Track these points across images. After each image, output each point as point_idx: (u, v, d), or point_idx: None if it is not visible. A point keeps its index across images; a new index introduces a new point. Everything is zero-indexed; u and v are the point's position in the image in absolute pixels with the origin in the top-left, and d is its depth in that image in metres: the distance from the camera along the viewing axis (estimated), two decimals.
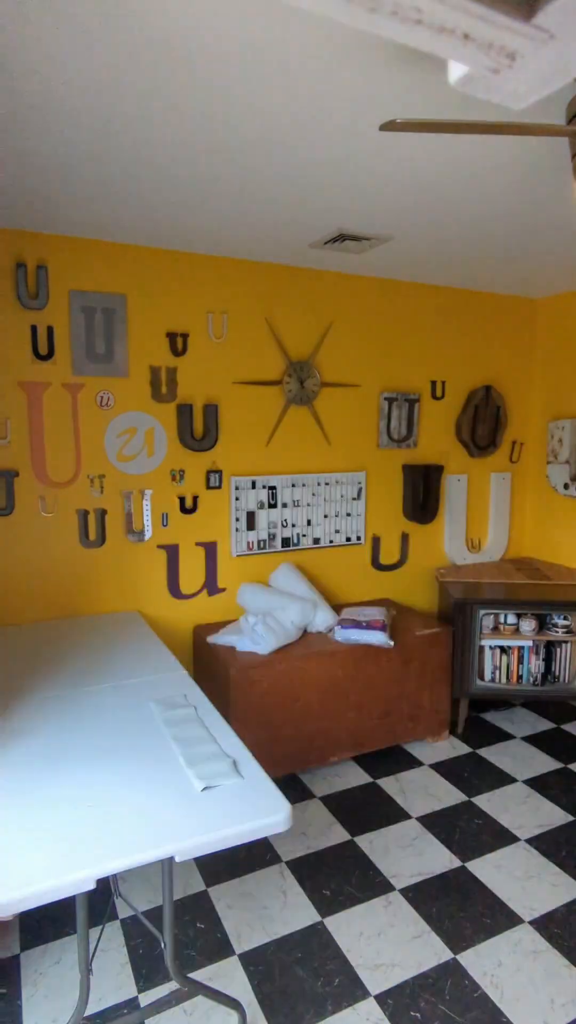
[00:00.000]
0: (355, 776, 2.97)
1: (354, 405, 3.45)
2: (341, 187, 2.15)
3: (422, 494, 3.61)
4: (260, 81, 1.49)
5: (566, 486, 3.73)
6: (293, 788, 2.87)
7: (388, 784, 2.91)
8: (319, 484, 3.37)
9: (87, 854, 1.27)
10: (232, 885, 2.29)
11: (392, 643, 2.94)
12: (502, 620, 3.30)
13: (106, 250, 2.75)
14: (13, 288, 2.60)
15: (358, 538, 3.53)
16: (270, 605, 3.06)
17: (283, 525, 3.29)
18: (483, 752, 3.18)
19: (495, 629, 3.31)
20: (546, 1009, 1.80)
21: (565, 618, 3.26)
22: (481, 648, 3.30)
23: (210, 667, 2.88)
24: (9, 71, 1.44)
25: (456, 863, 2.39)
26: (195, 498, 3.08)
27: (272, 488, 3.25)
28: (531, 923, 2.11)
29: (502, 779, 2.95)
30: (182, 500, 3.05)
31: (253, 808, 1.43)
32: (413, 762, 3.09)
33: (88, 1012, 1.70)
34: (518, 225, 2.53)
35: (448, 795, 2.82)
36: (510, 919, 2.13)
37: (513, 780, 2.94)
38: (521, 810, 2.71)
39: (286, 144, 1.82)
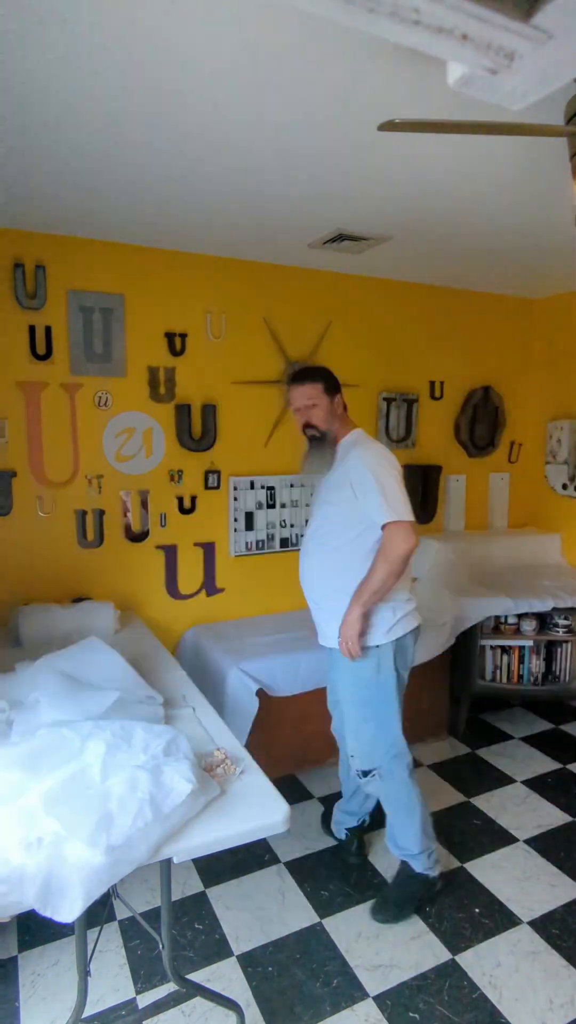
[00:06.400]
0: None
1: (353, 405, 3.42)
2: (340, 187, 2.15)
3: (421, 494, 3.61)
4: (258, 81, 1.48)
5: (564, 486, 3.73)
6: (291, 789, 2.86)
7: None
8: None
9: None
10: (230, 886, 2.28)
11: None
12: (503, 620, 3.29)
13: (104, 250, 2.74)
14: (11, 288, 2.59)
15: None
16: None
17: (281, 525, 3.29)
18: (482, 752, 3.18)
19: (496, 629, 3.31)
20: (544, 1010, 1.80)
21: (566, 618, 3.26)
22: (482, 648, 3.29)
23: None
24: (9, 72, 1.44)
25: (454, 863, 2.39)
26: (193, 498, 3.08)
27: (271, 488, 3.24)
28: (530, 924, 2.11)
29: (501, 780, 2.95)
30: (180, 500, 3.05)
31: (252, 809, 1.43)
32: None
33: (86, 1014, 1.69)
34: (517, 225, 2.52)
35: (447, 795, 2.82)
36: (509, 920, 2.13)
37: (512, 781, 2.94)
38: (520, 811, 2.71)
39: (285, 144, 1.81)
